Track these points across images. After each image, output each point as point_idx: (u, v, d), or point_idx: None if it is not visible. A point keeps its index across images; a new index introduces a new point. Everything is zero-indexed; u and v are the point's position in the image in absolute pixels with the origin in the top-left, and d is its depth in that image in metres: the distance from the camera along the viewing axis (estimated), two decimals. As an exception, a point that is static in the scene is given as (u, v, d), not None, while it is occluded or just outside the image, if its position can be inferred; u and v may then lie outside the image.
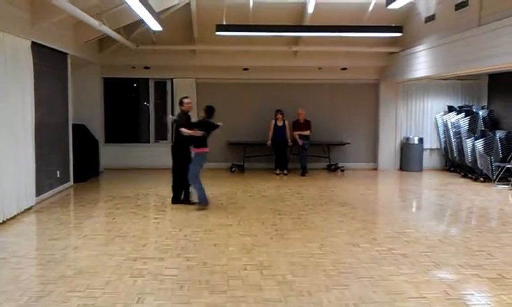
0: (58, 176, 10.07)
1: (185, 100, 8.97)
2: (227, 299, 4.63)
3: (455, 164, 13.44)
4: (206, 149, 8.71)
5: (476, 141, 11.95)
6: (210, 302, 4.53)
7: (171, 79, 13.73)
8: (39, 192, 8.91)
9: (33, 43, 8.49)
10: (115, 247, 6.25)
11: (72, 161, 10.90)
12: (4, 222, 7.43)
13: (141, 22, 10.25)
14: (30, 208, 8.42)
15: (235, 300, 4.58)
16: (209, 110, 8.71)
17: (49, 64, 9.64)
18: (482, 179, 11.85)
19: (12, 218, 7.72)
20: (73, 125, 11.12)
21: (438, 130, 14.12)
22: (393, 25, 10.70)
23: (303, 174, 12.75)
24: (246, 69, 13.62)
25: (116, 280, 5.09)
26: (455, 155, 13.12)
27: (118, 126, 14.00)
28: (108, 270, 5.39)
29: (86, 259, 5.78)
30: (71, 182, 10.82)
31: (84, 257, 5.88)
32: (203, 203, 8.63)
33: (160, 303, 4.50)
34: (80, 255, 5.97)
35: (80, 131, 11.81)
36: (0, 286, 4.90)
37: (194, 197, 8.93)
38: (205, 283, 5.02)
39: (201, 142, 8.57)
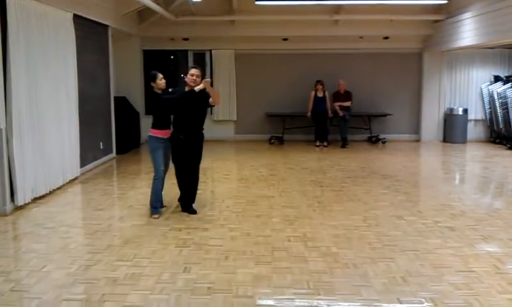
0: (101, 147, 10.24)
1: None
2: (273, 270, 4.64)
3: (500, 135, 13.03)
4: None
5: (524, 112, 11.55)
6: (256, 273, 4.55)
7: (210, 51, 13.68)
8: (83, 163, 9.09)
9: (75, 16, 8.55)
10: (160, 218, 6.33)
11: (114, 133, 11.06)
12: (51, 192, 7.61)
13: (180, -8, 10.20)
14: (75, 179, 8.60)
15: (281, 271, 4.58)
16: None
17: (91, 36, 9.73)
18: (529, 151, 11.50)
19: (58, 188, 7.90)
20: (115, 97, 11.24)
21: (483, 101, 13.68)
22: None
23: (343, 146, 12.61)
24: (285, 39, 13.43)
25: (162, 250, 5.16)
26: (501, 126, 12.72)
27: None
28: (154, 240, 5.47)
29: (132, 229, 5.88)
30: (113, 154, 10.99)
31: (129, 227, 5.98)
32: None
33: (206, 273, 4.54)
34: (125, 225, 6.08)
35: (122, 103, 11.93)
36: (50, 254, 5.04)
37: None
38: (249, 254, 5.04)
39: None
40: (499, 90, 12.70)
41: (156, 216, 6.36)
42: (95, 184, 8.44)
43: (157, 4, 10.73)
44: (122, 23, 11.22)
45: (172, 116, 6.47)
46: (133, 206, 7.00)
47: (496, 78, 13.19)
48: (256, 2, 10.09)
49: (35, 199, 7.13)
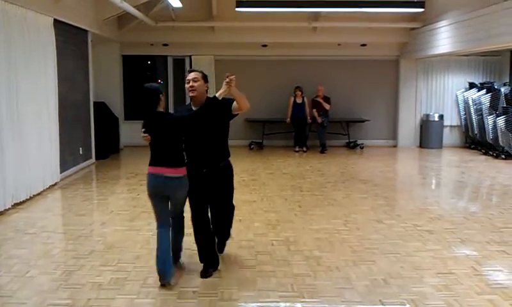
0: (81, 153, 10.18)
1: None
2: (257, 273, 4.69)
3: (475, 141, 13.32)
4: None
5: (498, 118, 11.81)
6: (240, 277, 4.60)
7: (190, 56, 13.68)
8: (63, 168, 9.02)
9: (55, 20, 8.52)
10: (142, 223, 6.33)
11: (94, 138, 10.99)
12: (31, 198, 7.56)
13: (161, -2, 10.21)
14: (55, 185, 8.54)
15: (265, 275, 4.64)
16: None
17: (71, 41, 9.68)
18: (503, 156, 11.74)
19: (38, 194, 7.84)
20: (94, 103, 11.19)
21: (458, 107, 13.96)
22: (415, 0, 10.53)
23: (322, 152, 12.73)
24: (264, 45, 13.53)
25: (146, 254, 5.16)
26: (476, 132, 13.00)
27: (137, 103, 14.01)
28: (137, 245, 5.48)
29: (115, 234, 5.87)
30: (93, 159, 10.93)
31: (112, 232, 5.97)
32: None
33: (191, 277, 4.57)
34: (108, 230, 6.06)
35: (101, 108, 11.88)
36: (33, 260, 5.01)
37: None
38: (233, 258, 5.09)
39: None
40: (474, 96, 12.98)
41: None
42: (75, 190, 8.39)
43: (137, 9, 10.73)
44: (102, 28, 11.18)
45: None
46: (114, 211, 6.99)
47: (471, 85, 13.48)
48: (237, 9, 10.15)
49: (15, 205, 7.07)
